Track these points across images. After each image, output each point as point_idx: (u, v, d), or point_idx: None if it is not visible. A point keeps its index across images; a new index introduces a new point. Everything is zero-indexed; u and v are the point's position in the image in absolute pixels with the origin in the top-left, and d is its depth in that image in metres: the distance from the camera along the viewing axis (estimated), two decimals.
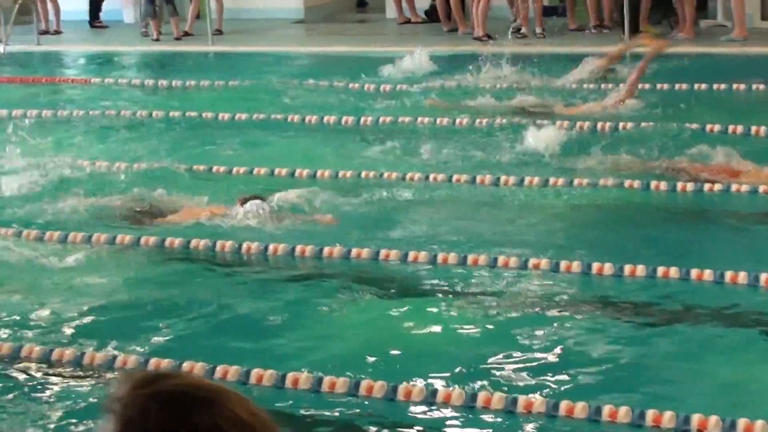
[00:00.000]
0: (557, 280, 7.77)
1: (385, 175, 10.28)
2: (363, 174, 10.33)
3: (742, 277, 7.54)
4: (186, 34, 19.10)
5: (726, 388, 6.25)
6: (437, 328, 7.18)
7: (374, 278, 7.97)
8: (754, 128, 11.24)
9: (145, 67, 17.66)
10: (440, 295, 7.66)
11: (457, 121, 12.11)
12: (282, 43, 18.32)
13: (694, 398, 6.06)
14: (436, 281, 7.90)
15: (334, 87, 14.31)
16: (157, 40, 18.75)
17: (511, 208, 9.41)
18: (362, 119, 12.41)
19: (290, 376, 6.34)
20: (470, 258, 8.10)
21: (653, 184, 9.65)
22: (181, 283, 8.08)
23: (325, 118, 12.57)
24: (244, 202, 9.23)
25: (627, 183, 9.71)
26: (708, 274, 7.64)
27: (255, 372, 6.40)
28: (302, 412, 6.12)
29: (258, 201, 9.19)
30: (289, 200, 9.34)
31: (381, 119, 12.35)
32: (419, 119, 12.23)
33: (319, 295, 7.76)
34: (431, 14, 19.39)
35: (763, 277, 7.51)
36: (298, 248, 8.47)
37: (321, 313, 7.46)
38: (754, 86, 13.09)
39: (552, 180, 9.86)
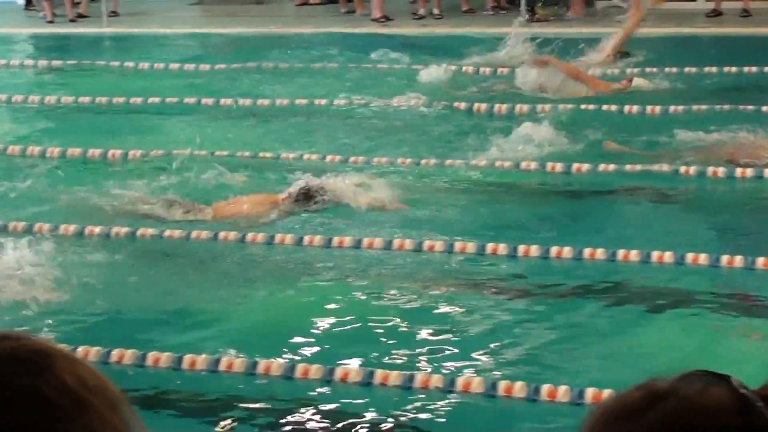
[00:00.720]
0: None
1: (282, 155, 10.29)
2: (261, 154, 10.31)
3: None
4: (81, 15, 18.84)
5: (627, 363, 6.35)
6: (335, 310, 7.20)
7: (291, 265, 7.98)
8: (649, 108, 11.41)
9: (37, 49, 17.39)
10: (339, 279, 7.70)
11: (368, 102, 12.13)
12: (179, 25, 18.15)
13: (589, 373, 6.15)
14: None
15: (231, 69, 14.22)
16: (51, 21, 18.47)
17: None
18: (258, 101, 12.36)
19: (187, 357, 6.33)
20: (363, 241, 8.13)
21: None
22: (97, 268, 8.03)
23: (222, 101, 12.49)
24: (297, 194, 8.84)
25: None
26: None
27: (151, 355, 6.38)
28: (200, 391, 6.12)
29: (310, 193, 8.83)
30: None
31: (278, 101, 12.31)
32: (317, 101, 12.23)
33: (216, 280, 7.76)
34: None
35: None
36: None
37: (215, 297, 7.46)
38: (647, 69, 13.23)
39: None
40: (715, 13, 16.65)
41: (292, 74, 13.70)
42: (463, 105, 11.89)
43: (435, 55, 14.19)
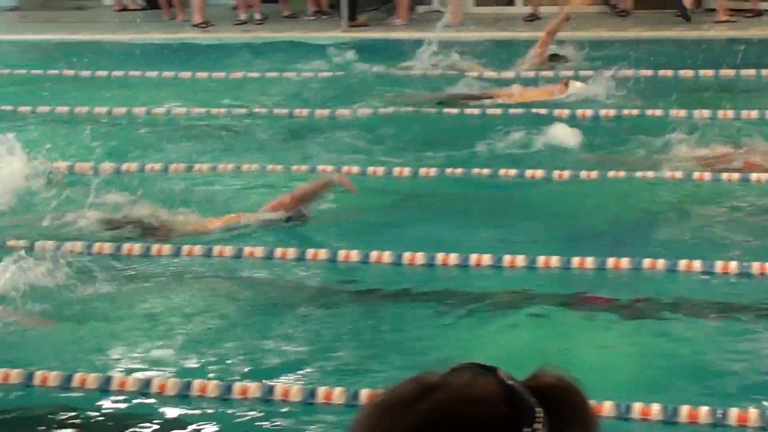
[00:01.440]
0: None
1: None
2: (77, 165, 10.18)
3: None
4: None
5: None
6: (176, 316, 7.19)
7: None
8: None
9: None
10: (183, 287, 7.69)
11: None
12: None
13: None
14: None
15: (48, 76, 13.97)
16: None
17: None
18: (76, 109, 12.18)
19: (38, 374, 6.27)
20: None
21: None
22: None
23: (38, 108, 12.27)
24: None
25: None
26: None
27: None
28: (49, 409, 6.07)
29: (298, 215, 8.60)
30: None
31: (96, 109, 12.14)
32: (136, 109, 12.11)
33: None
34: (151, 1, 19.12)
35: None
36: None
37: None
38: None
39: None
40: (533, 18, 16.95)
41: (110, 82, 13.54)
42: (283, 111, 11.92)
43: (256, 61, 14.20)
